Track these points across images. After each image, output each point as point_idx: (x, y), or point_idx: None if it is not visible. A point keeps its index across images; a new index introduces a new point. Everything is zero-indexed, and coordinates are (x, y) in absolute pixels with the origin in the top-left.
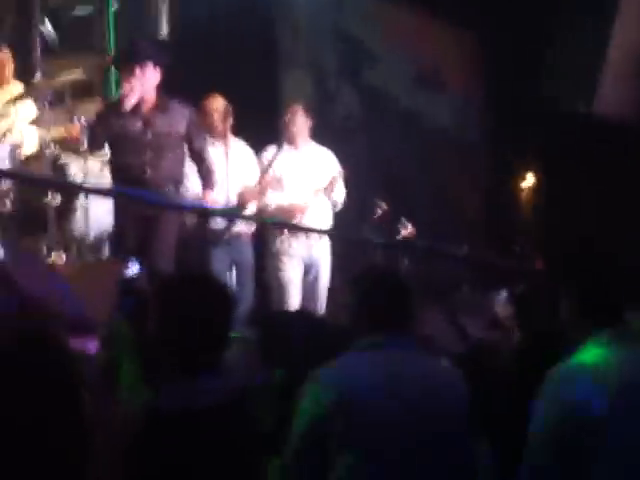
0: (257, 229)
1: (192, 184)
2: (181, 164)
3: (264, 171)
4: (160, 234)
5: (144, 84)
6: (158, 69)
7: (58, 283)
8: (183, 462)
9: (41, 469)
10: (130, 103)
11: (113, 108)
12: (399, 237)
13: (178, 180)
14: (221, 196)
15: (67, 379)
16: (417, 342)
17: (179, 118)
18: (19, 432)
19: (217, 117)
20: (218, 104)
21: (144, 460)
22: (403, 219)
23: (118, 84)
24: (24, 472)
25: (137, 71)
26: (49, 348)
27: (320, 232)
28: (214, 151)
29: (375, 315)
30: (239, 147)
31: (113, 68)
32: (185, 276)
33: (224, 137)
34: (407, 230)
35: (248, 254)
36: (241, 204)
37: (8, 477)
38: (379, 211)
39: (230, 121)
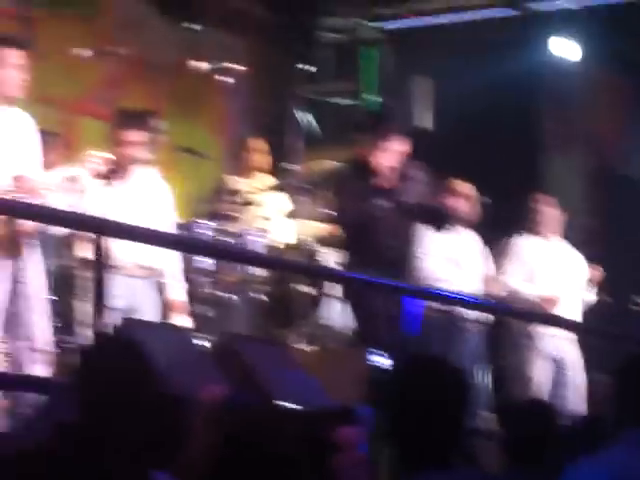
0: (497, 319)
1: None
2: None
3: (510, 259)
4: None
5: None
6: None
7: (304, 376)
8: None
9: None
10: (387, 179)
11: (366, 185)
12: None
13: None
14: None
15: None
16: None
17: (421, 185)
18: None
19: (464, 203)
20: (470, 191)
21: None
22: None
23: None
24: None
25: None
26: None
27: (577, 326)
28: (452, 237)
29: None
30: (471, 236)
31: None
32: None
33: (466, 225)
34: None
35: (480, 344)
36: (488, 292)
37: None
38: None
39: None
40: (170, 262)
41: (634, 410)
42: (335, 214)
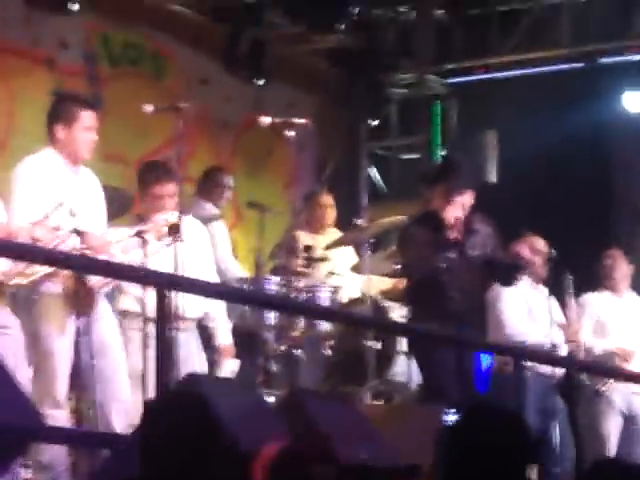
0: (568, 372)
1: None
2: None
3: (584, 315)
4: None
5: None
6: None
7: (371, 431)
8: None
9: None
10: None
11: (434, 238)
12: None
13: None
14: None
15: None
16: None
17: (487, 238)
18: None
19: (539, 259)
20: (542, 246)
21: None
22: None
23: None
24: None
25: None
26: None
27: None
28: (530, 291)
29: None
30: (544, 290)
31: None
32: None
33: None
34: None
35: (558, 401)
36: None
37: None
38: None
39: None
40: (215, 306)
41: None
42: (402, 267)
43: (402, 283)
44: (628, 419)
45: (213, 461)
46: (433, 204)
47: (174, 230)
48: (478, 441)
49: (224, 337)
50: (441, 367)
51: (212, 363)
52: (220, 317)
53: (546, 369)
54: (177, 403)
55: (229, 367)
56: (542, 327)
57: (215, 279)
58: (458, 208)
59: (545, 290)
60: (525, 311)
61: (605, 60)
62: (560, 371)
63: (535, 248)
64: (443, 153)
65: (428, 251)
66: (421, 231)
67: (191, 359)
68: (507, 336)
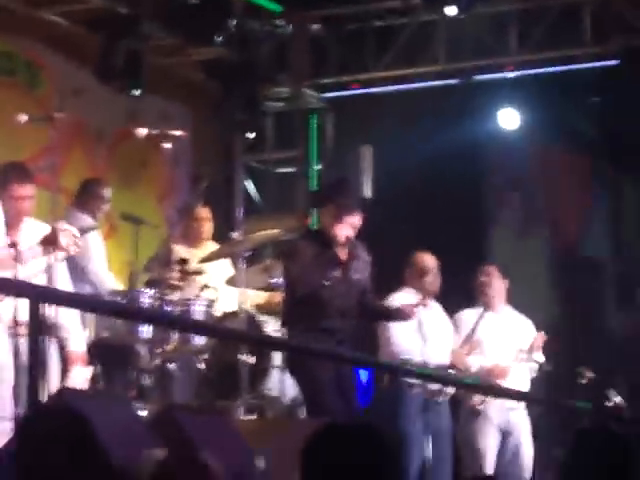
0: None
1: None
2: None
3: (468, 334)
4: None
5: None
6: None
7: (243, 446)
8: None
9: None
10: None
11: (323, 254)
12: (609, 404)
13: None
14: (434, 356)
15: None
16: None
17: (366, 265)
18: None
19: (431, 277)
20: (433, 263)
21: None
22: (612, 391)
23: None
24: None
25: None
26: None
27: (526, 398)
28: (422, 309)
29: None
30: (437, 307)
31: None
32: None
33: (432, 297)
34: (618, 400)
35: (447, 420)
36: (454, 365)
37: None
38: (585, 379)
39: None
40: (67, 314)
41: None
42: (285, 281)
43: (277, 297)
44: (505, 434)
45: (87, 477)
46: (323, 222)
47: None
48: (335, 460)
49: (76, 344)
50: (320, 382)
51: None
52: (72, 325)
53: (432, 386)
54: (51, 419)
55: (80, 375)
56: (432, 345)
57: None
58: (348, 227)
59: (437, 306)
60: (413, 329)
61: (480, 77)
62: (447, 388)
63: (425, 264)
64: (319, 167)
65: (314, 267)
66: (309, 246)
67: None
68: (395, 354)
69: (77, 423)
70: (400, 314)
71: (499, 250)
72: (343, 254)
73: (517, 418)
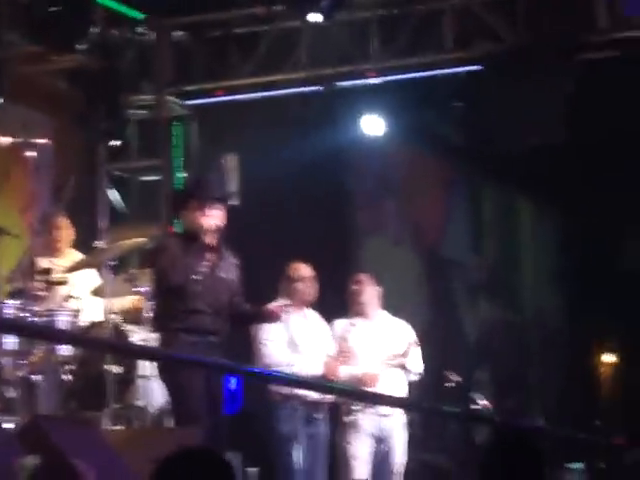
0: (332, 401)
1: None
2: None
3: (340, 344)
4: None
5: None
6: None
7: (110, 456)
8: None
9: None
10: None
11: (190, 246)
12: (476, 407)
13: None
14: (306, 366)
15: None
16: None
17: (233, 267)
18: None
19: (304, 285)
20: (307, 272)
21: None
22: (476, 393)
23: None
24: None
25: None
26: None
27: (393, 402)
28: (295, 319)
29: None
30: (314, 316)
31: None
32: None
33: (307, 306)
34: (483, 402)
35: (323, 426)
36: (327, 375)
37: None
38: (451, 382)
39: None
40: None
41: None
42: (153, 275)
43: (142, 304)
44: (378, 441)
45: None
46: (188, 221)
47: None
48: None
49: None
50: (189, 389)
51: None
52: None
53: (309, 397)
54: None
55: None
56: (304, 356)
57: None
58: (214, 219)
59: (314, 315)
60: (285, 340)
61: (343, 84)
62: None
63: (300, 274)
64: (184, 175)
65: (180, 259)
66: (175, 242)
67: None
68: (267, 366)
69: None
70: (268, 314)
71: (373, 258)
72: (211, 243)
73: (390, 424)
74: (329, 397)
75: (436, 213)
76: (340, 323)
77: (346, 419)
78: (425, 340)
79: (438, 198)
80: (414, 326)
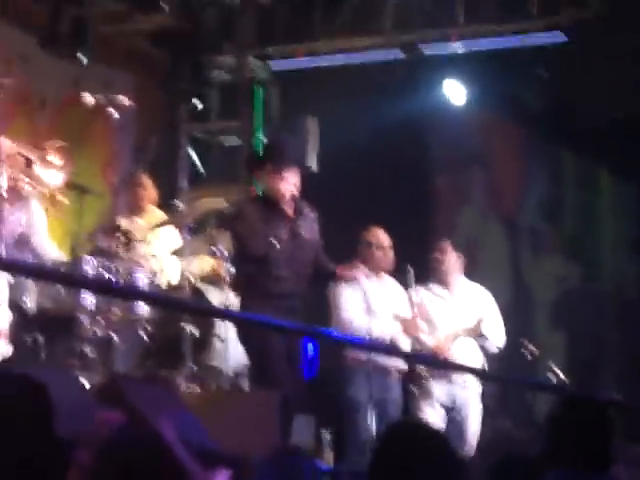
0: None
1: None
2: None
3: (419, 310)
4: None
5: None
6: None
7: (186, 415)
8: None
9: None
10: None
11: (268, 213)
12: (552, 377)
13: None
14: (383, 332)
15: None
16: None
17: (314, 223)
18: None
19: (382, 253)
20: (385, 240)
21: None
22: (552, 364)
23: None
24: None
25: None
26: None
27: (468, 370)
28: (372, 286)
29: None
30: (391, 282)
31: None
32: None
33: (384, 273)
34: (559, 372)
35: (396, 393)
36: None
37: None
38: (529, 352)
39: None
40: None
41: (566, 453)
42: (233, 242)
43: (221, 266)
44: (449, 410)
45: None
46: (265, 184)
47: None
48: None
49: None
50: (270, 351)
51: None
52: None
53: (387, 361)
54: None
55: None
56: (382, 321)
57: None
58: (290, 184)
59: (390, 281)
60: (363, 307)
61: (426, 51)
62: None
63: (377, 239)
64: (263, 138)
65: (259, 226)
66: (254, 208)
67: None
68: (345, 332)
69: (36, 391)
70: (344, 274)
71: (444, 223)
72: (290, 211)
73: (465, 394)
74: (403, 364)
75: (516, 181)
76: (419, 290)
77: (418, 386)
78: (505, 310)
79: (518, 167)
80: (496, 294)
